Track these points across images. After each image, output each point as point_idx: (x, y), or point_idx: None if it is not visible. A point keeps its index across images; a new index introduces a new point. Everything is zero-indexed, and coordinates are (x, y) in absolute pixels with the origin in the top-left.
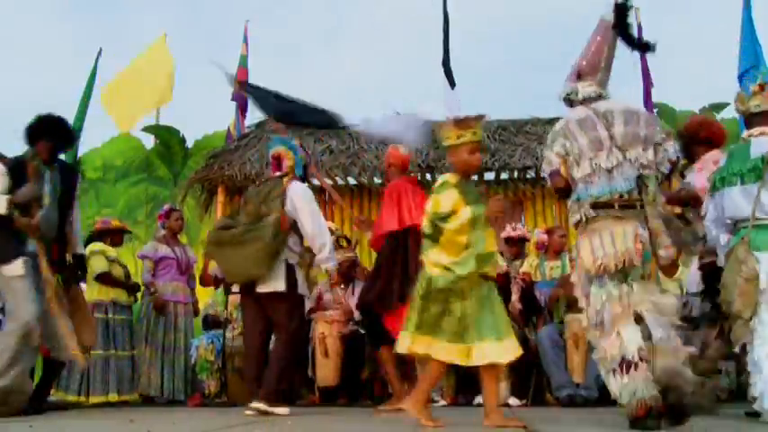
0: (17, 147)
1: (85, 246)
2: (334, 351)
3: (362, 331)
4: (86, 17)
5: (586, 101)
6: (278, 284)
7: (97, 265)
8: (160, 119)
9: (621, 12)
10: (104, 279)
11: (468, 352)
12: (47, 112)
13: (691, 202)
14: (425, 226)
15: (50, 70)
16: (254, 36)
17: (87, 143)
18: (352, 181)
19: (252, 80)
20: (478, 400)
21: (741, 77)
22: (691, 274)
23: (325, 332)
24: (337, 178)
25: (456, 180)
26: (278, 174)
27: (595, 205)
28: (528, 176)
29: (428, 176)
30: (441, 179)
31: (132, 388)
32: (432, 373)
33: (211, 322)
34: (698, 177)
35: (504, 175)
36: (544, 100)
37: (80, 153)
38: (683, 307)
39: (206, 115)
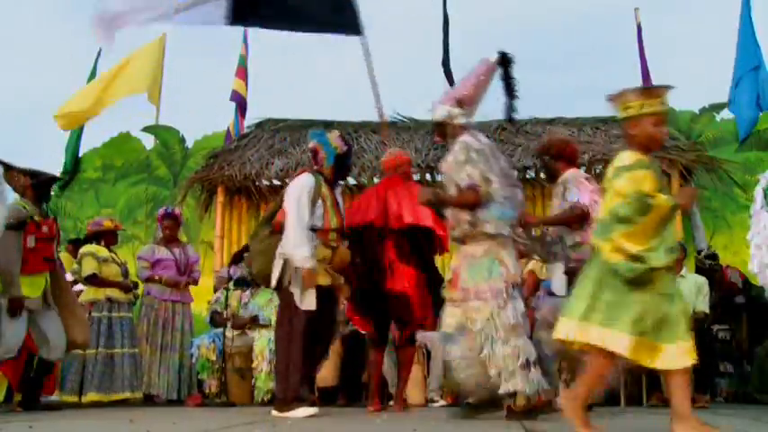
0: (17, 146)
1: (78, 246)
2: (334, 351)
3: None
4: (86, 17)
5: (459, 128)
6: (273, 282)
7: (86, 268)
8: (160, 119)
9: (506, 60)
10: (93, 281)
11: (653, 351)
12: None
13: (585, 219)
14: (620, 206)
15: (50, 70)
16: (256, 36)
17: (87, 143)
18: (351, 181)
19: (251, 80)
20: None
21: (741, 79)
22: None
23: None
24: None
25: (648, 159)
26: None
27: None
28: (528, 176)
29: (428, 176)
30: (626, 156)
31: (133, 386)
32: (598, 370)
33: (219, 320)
34: (582, 195)
35: None
36: (544, 100)
37: (80, 153)
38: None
39: (206, 115)
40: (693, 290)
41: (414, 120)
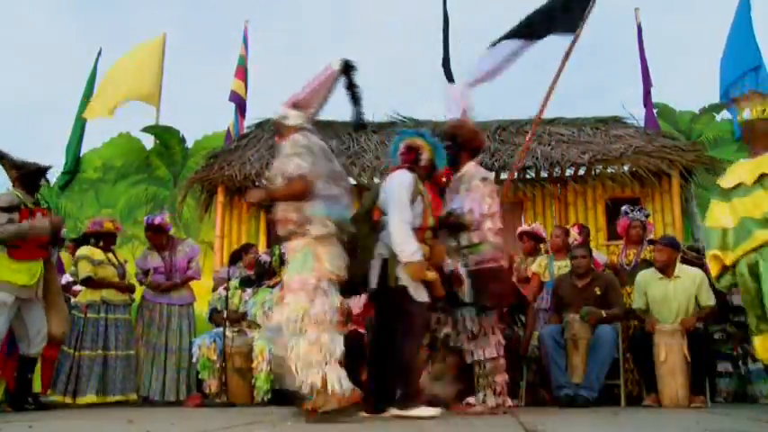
0: (17, 146)
1: (79, 245)
2: None
3: (361, 331)
4: (87, 17)
5: (294, 128)
6: (372, 281)
7: (81, 271)
8: (160, 119)
9: (349, 68)
10: (89, 283)
11: None
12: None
13: (464, 228)
14: None
15: (51, 70)
16: (256, 36)
17: (87, 143)
18: (351, 181)
19: (251, 80)
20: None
21: (739, 79)
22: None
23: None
24: None
25: None
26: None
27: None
28: (528, 176)
29: None
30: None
31: (126, 389)
32: None
33: (218, 319)
34: (467, 200)
35: (503, 175)
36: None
37: (80, 153)
38: None
39: (206, 115)
40: (693, 285)
41: (414, 120)
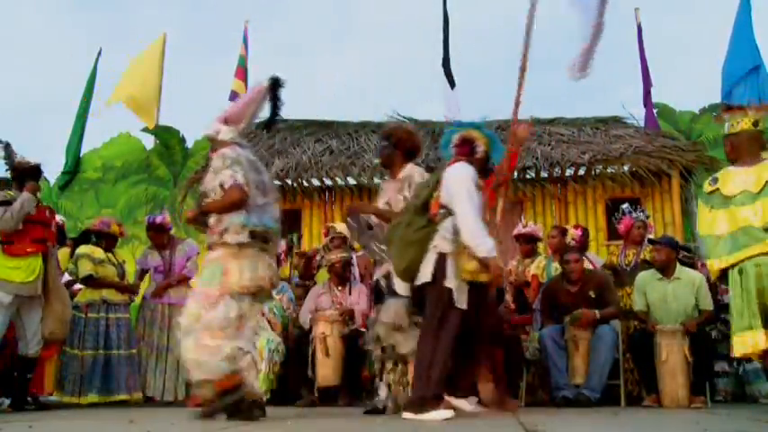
0: (17, 146)
1: (78, 243)
2: (336, 351)
3: (363, 330)
4: (87, 17)
5: (226, 143)
6: (425, 275)
7: (82, 269)
8: (160, 119)
9: (276, 84)
10: (89, 282)
11: None
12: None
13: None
14: None
15: (51, 70)
16: (256, 36)
17: (87, 143)
18: (351, 181)
19: (251, 80)
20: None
21: (741, 79)
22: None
23: (326, 332)
24: (337, 178)
25: None
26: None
27: (252, 234)
28: (528, 176)
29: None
30: None
31: (131, 388)
32: None
33: None
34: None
35: None
36: (544, 100)
37: (81, 153)
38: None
39: (206, 115)
40: (693, 288)
41: (414, 120)
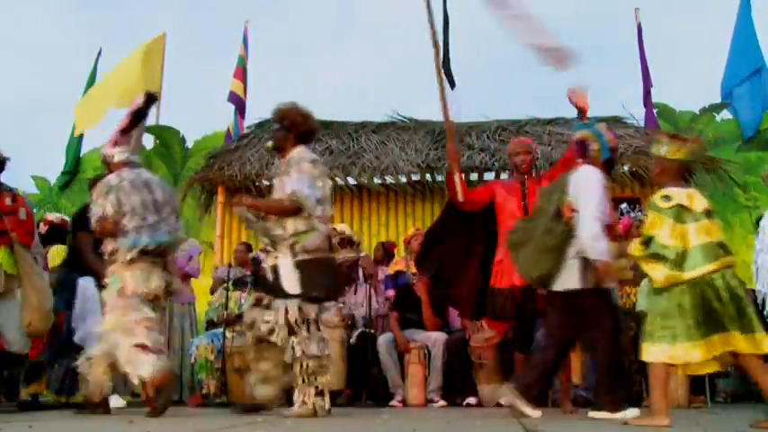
0: (17, 146)
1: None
2: (339, 356)
3: (371, 330)
4: (87, 16)
5: (120, 164)
6: (572, 282)
7: None
8: (160, 119)
9: (150, 100)
10: None
11: None
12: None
13: (299, 211)
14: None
15: (51, 70)
16: (256, 36)
17: (87, 143)
18: (352, 181)
19: (251, 80)
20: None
21: (744, 81)
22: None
23: (328, 338)
24: (337, 178)
25: None
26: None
27: (144, 251)
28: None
29: (428, 177)
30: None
31: (124, 388)
32: None
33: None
34: (301, 182)
35: (503, 176)
36: (544, 100)
37: (80, 153)
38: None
39: (206, 115)
40: None
41: (414, 120)
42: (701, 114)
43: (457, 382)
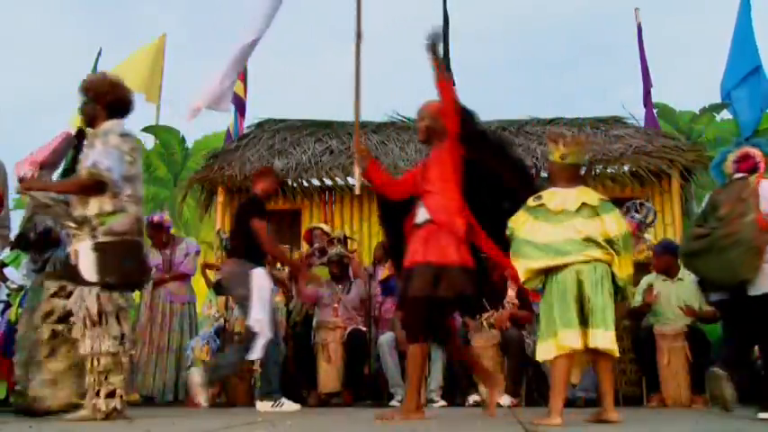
0: (17, 146)
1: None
2: (338, 356)
3: (363, 329)
4: (87, 16)
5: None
6: (761, 286)
7: None
8: (160, 119)
9: (81, 134)
10: None
11: None
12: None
13: (102, 187)
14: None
15: (51, 70)
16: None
17: None
18: (352, 181)
19: (252, 80)
20: (473, 399)
21: (743, 81)
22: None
23: (328, 339)
24: (337, 179)
25: None
26: (742, 175)
27: None
28: None
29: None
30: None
31: (129, 388)
32: None
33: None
34: (106, 157)
35: None
36: (544, 100)
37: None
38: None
39: (206, 115)
40: (695, 289)
41: (414, 120)
42: (701, 114)
43: (462, 379)
